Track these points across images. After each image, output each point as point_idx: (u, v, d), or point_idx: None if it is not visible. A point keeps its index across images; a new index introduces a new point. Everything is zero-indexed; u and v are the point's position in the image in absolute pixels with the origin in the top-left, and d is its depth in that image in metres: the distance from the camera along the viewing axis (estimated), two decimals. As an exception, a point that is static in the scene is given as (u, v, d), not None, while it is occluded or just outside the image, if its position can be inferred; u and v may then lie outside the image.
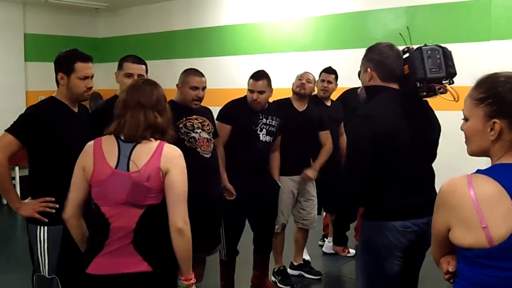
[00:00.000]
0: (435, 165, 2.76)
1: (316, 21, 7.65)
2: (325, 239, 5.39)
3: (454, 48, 7.19)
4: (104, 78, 7.86)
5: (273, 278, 4.54)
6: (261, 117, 4.04)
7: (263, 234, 4.19)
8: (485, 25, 6.16)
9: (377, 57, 2.65)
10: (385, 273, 2.57)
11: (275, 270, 4.55)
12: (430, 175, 2.71)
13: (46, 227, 2.83)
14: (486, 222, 1.46)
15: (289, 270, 4.61)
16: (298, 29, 7.84)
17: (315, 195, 4.57)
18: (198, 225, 3.45)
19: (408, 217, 2.53)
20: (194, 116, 3.61)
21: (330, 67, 4.96)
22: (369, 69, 2.66)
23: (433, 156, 2.73)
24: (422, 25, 6.71)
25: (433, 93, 2.55)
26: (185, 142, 3.53)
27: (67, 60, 2.92)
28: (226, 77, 7.99)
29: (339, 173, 4.87)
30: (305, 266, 4.74)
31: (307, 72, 4.53)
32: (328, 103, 4.86)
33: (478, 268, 1.51)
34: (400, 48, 2.72)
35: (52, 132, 2.81)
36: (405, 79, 2.61)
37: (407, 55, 2.62)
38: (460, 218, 1.52)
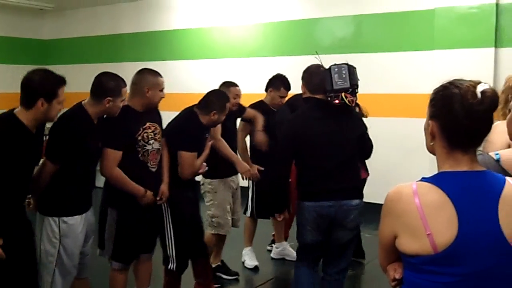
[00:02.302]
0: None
1: (265, 28, 7.71)
2: (273, 244, 5.41)
3: (399, 57, 7.40)
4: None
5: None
6: (207, 133, 4.02)
7: (199, 240, 4.08)
8: (428, 35, 6.37)
9: (306, 76, 3.51)
10: (302, 240, 3.44)
11: (213, 267, 4.51)
12: (346, 167, 3.34)
13: None
14: (431, 230, 1.48)
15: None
16: (248, 35, 7.87)
17: None
18: (143, 232, 3.48)
19: (317, 199, 3.30)
20: (148, 124, 3.50)
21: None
22: (302, 85, 3.53)
23: (351, 151, 3.39)
24: (369, 33, 6.87)
25: (342, 100, 3.19)
26: (139, 155, 3.46)
27: (49, 86, 2.84)
28: (176, 82, 7.93)
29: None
30: (222, 267, 4.72)
31: (237, 87, 4.62)
32: (274, 108, 4.86)
33: (424, 274, 1.53)
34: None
35: (3, 151, 2.75)
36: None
37: None
38: (406, 226, 1.54)
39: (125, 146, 3.38)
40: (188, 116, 3.87)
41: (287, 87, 4.84)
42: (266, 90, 4.87)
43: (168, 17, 8.62)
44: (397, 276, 1.65)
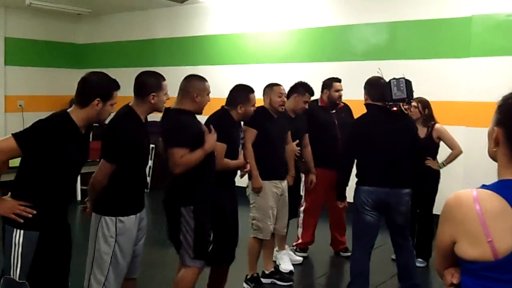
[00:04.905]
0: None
1: (299, 34, 7.71)
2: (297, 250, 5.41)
3: (435, 64, 7.25)
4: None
5: (245, 285, 4.51)
6: (240, 129, 4.12)
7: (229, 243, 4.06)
8: (465, 42, 6.27)
9: (368, 87, 4.11)
10: (361, 221, 4.05)
11: (248, 277, 4.52)
12: (398, 163, 4.00)
13: (22, 231, 2.81)
14: (492, 236, 1.50)
15: (261, 279, 4.59)
16: (281, 41, 7.89)
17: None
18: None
19: (372, 185, 3.99)
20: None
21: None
22: (364, 94, 4.13)
23: (403, 150, 4.05)
24: (403, 41, 6.80)
25: (399, 108, 3.95)
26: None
27: (106, 87, 2.99)
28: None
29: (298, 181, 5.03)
30: (276, 273, 4.72)
31: (280, 86, 4.57)
32: (293, 115, 4.88)
33: (482, 280, 1.54)
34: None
35: (55, 150, 2.83)
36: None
37: None
38: (466, 232, 1.55)
39: (193, 144, 3.49)
40: (221, 113, 4.06)
41: (311, 92, 4.92)
42: (289, 96, 4.87)
43: (202, 22, 8.70)
44: (455, 281, 1.67)
